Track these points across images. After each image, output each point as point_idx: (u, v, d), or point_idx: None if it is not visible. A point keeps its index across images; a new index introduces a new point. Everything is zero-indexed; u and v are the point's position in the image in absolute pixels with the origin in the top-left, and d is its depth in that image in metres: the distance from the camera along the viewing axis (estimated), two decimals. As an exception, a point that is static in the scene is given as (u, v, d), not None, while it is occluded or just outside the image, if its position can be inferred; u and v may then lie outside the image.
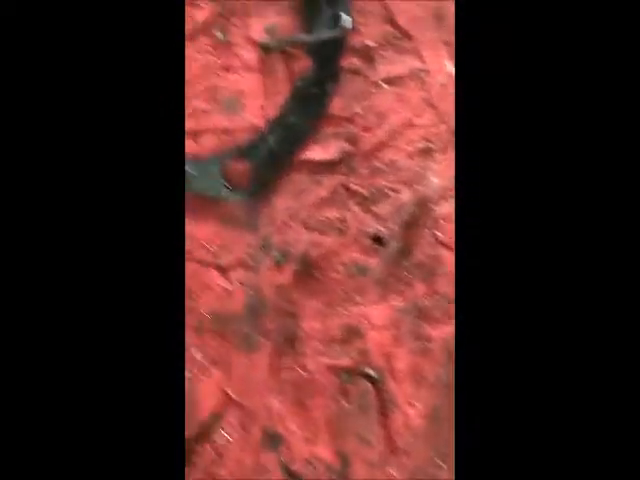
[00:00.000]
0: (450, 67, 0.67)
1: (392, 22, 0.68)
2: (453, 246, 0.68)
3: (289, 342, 0.68)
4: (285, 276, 0.68)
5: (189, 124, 0.68)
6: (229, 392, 0.67)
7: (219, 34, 0.68)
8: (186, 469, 0.65)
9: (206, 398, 0.68)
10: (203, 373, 0.67)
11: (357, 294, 0.69)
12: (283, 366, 0.68)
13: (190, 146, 0.68)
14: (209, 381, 0.68)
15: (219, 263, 0.69)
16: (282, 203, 0.69)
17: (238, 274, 0.69)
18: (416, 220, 0.68)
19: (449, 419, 0.64)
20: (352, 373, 0.67)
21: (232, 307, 0.69)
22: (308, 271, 0.68)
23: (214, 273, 0.69)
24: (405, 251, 0.68)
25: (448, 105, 0.68)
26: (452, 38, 0.68)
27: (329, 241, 0.68)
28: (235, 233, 0.69)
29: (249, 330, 0.68)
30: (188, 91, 0.68)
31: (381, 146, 0.69)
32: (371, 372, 0.68)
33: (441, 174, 0.68)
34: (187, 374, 0.68)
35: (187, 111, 0.68)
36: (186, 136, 0.68)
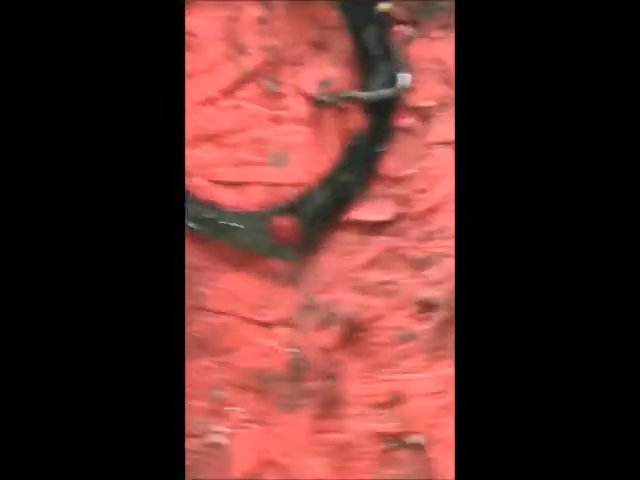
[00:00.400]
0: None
1: (448, 82, 0.65)
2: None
3: (332, 404, 0.66)
4: (329, 337, 0.66)
5: (234, 175, 0.66)
6: (268, 451, 0.66)
7: (269, 83, 0.65)
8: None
9: (244, 455, 0.67)
10: (242, 429, 0.66)
11: (404, 360, 0.67)
12: (324, 429, 0.66)
13: (232, 197, 0.66)
14: (248, 439, 0.67)
15: (263, 320, 0.68)
16: (329, 262, 0.66)
17: (282, 332, 0.67)
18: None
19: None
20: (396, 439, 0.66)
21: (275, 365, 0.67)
22: (353, 333, 0.66)
23: (257, 330, 0.67)
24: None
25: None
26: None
27: (376, 303, 0.66)
28: (280, 290, 0.67)
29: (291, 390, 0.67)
30: (233, 139, 0.66)
31: (434, 209, 0.66)
32: (416, 439, 0.67)
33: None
34: (226, 430, 0.67)
35: (232, 161, 0.66)
36: (230, 186, 0.66)
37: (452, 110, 0.66)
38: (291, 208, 0.67)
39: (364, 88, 0.66)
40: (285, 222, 0.67)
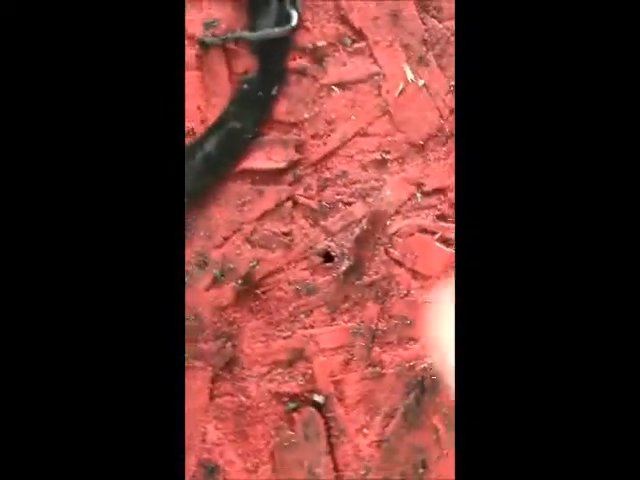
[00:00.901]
0: (410, 73, 0.61)
1: (344, 20, 0.61)
2: (408, 264, 0.62)
3: (228, 366, 0.62)
4: (225, 295, 0.62)
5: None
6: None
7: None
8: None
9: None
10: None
11: (304, 315, 0.63)
12: (221, 392, 0.62)
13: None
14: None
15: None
16: (222, 215, 0.62)
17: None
18: (369, 236, 0.63)
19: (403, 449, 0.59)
20: (298, 400, 0.62)
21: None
22: (250, 290, 0.62)
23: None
24: (357, 269, 0.63)
25: (406, 113, 0.62)
26: (411, 40, 0.61)
27: (274, 257, 0.62)
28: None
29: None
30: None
31: (332, 155, 0.62)
32: (318, 399, 0.63)
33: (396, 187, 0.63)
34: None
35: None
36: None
37: (349, 50, 0.63)
38: (178, 158, 0.62)
39: (253, 28, 0.61)
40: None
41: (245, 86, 0.62)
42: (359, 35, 0.63)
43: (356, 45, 0.63)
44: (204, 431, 0.63)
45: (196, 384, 0.62)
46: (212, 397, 0.63)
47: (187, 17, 0.62)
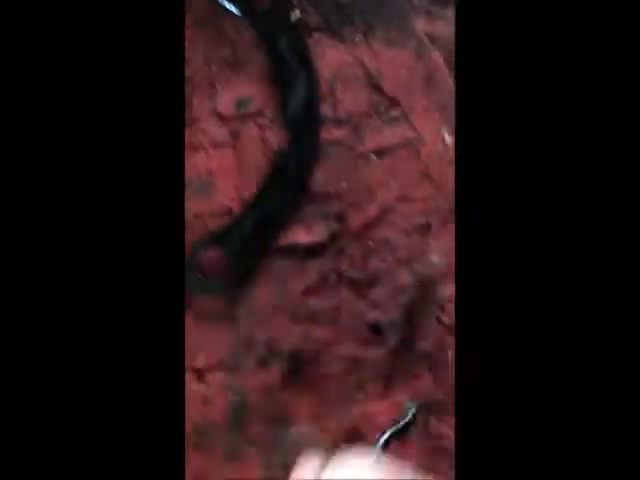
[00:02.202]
0: (448, 136, 0.60)
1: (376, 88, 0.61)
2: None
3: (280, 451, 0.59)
4: (272, 376, 0.60)
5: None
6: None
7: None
8: None
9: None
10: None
11: (355, 390, 0.61)
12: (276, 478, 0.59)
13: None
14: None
15: (195, 365, 0.61)
16: (264, 294, 0.60)
17: (217, 377, 0.60)
18: (418, 304, 0.61)
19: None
20: None
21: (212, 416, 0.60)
22: (299, 369, 0.60)
23: (190, 377, 0.60)
24: (407, 339, 0.61)
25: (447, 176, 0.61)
26: (447, 103, 0.61)
27: (321, 333, 0.60)
28: (212, 331, 0.61)
29: (234, 440, 0.59)
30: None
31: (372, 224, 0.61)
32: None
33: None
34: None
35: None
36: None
37: (384, 118, 0.62)
38: (216, 239, 0.61)
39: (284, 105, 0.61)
40: (211, 256, 0.61)
41: (280, 160, 0.61)
42: (393, 102, 0.62)
43: (392, 113, 0.62)
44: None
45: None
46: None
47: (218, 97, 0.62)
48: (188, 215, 0.61)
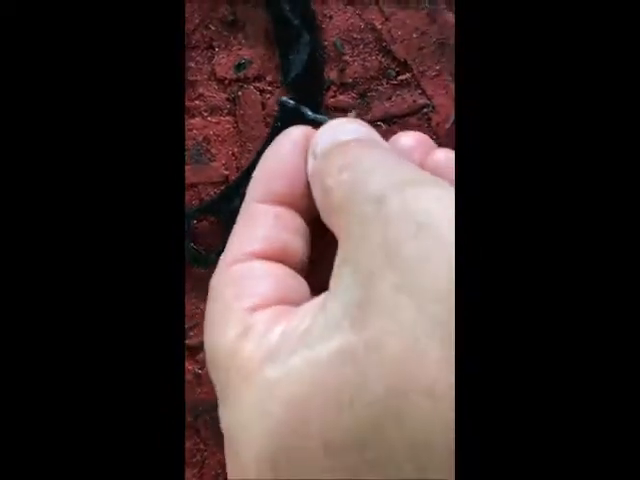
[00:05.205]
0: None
1: (387, 52, 0.57)
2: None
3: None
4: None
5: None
6: None
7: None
8: None
9: None
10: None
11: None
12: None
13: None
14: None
15: (188, 343, 0.57)
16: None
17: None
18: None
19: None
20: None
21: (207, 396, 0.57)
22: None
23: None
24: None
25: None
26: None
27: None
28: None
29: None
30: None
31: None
32: None
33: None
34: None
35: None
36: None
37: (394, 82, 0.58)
38: (211, 208, 0.58)
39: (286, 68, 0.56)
40: (205, 225, 0.58)
41: (278, 124, 0.57)
42: (404, 67, 0.58)
43: (401, 77, 0.58)
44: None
45: None
46: None
47: (216, 59, 0.58)
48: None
